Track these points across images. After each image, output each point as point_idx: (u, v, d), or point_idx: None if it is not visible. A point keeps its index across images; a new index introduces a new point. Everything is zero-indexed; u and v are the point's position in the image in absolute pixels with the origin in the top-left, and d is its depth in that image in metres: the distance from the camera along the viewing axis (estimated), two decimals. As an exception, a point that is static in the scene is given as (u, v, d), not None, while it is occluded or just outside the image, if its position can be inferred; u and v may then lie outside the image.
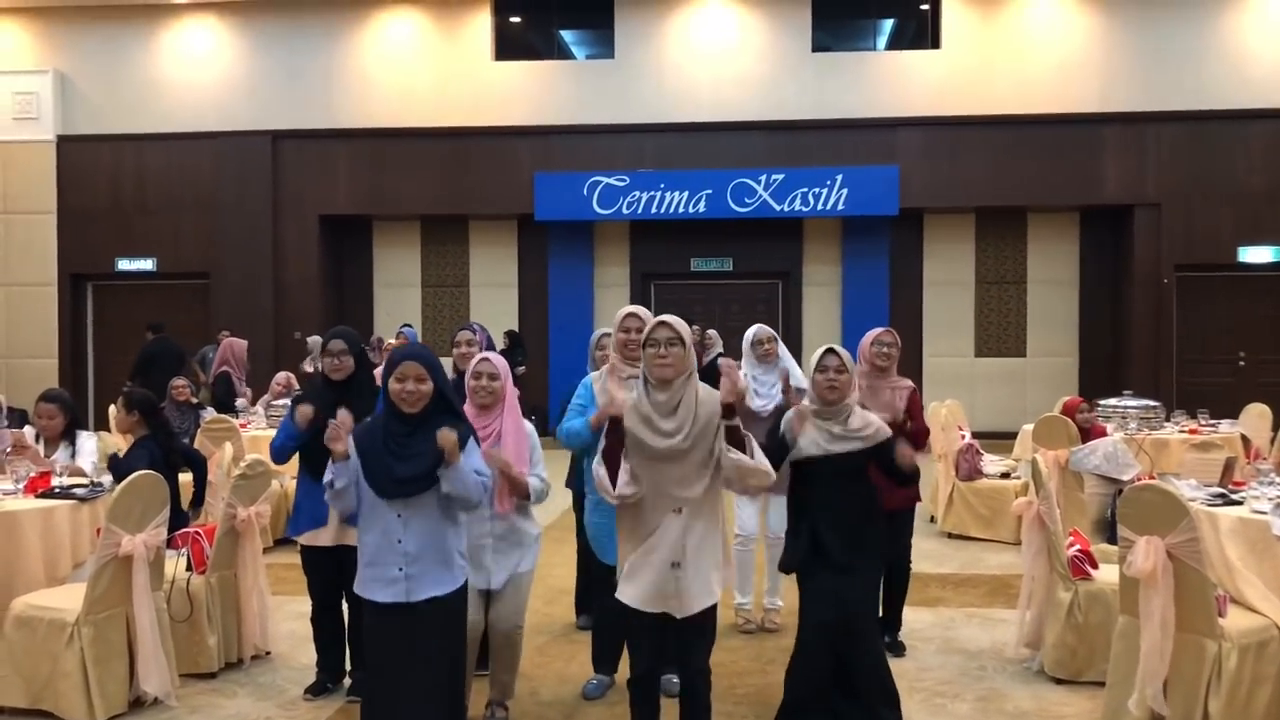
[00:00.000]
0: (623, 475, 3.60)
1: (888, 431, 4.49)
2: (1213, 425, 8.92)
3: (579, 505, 5.89)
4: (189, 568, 5.22)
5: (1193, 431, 8.56)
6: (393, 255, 16.84)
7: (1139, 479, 5.88)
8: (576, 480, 5.25)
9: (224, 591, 5.28)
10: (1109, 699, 4.50)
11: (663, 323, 3.64)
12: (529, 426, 4.53)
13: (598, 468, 3.67)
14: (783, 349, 5.97)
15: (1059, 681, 5.03)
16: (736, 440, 3.58)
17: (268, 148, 15.87)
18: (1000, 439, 12.37)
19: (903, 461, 4.33)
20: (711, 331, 13.98)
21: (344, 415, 4.67)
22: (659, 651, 3.73)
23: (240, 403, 10.15)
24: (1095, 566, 5.13)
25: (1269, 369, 15.41)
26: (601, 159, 15.69)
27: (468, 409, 4.25)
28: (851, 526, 4.32)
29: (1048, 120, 15.18)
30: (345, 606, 4.93)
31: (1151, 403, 8.93)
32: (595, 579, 5.03)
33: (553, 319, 16.13)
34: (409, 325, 13.50)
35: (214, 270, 15.96)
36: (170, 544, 5.19)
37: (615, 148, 15.75)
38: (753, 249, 16.02)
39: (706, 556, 3.66)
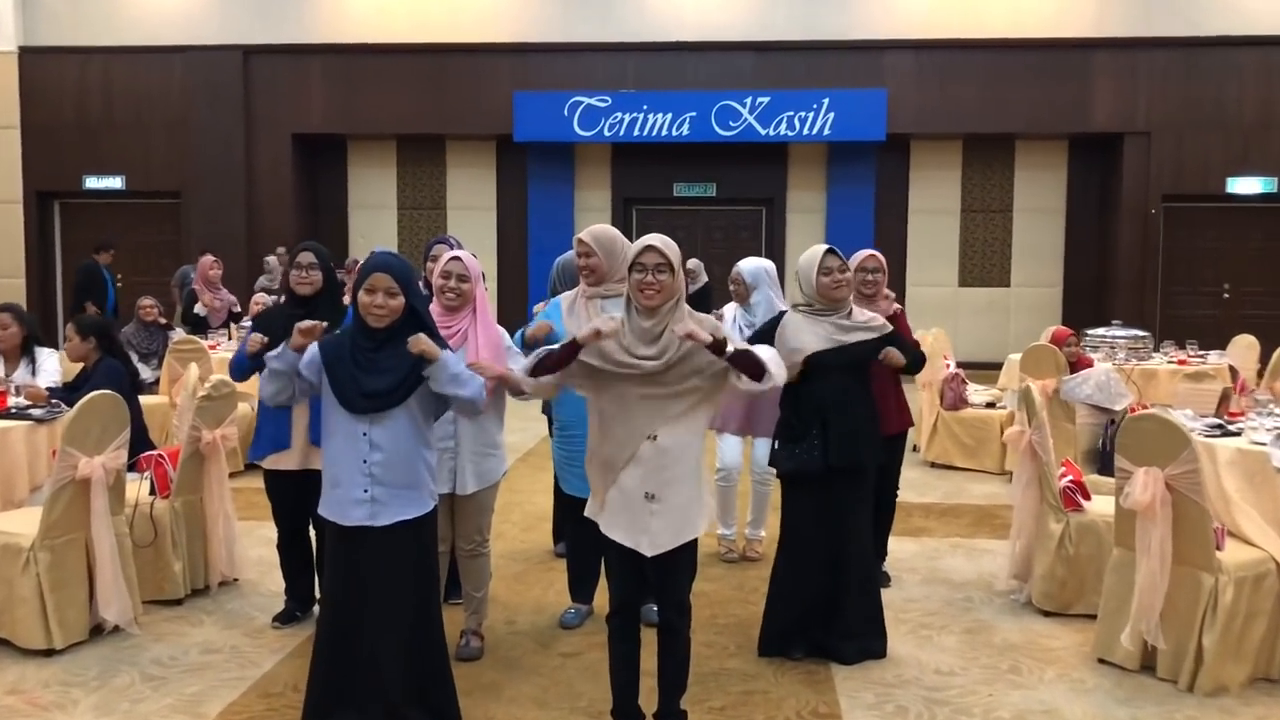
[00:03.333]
0: (541, 376, 3.42)
1: (889, 326, 4.39)
2: (1201, 356, 8.80)
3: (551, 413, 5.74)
4: (152, 492, 5.03)
5: (1181, 363, 8.44)
6: (368, 176, 16.46)
7: (1131, 409, 5.73)
8: (553, 407, 5.05)
9: (189, 517, 5.10)
10: (1100, 631, 4.39)
11: (650, 247, 3.40)
12: (499, 328, 4.33)
13: (530, 361, 3.46)
14: (764, 293, 5.69)
15: (1047, 614, 4.93)
16: (748, 364, 3.38)
17: (239, 63, 15.40)
18: (983, 369, 12.28)
19: (892, 359, 4.32)
20: (694, 261, 13.76)
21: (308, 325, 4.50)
22: (638, 583, 3.56)
23: (198, 308, 9.85)
24: (1087, 498, 5.00)
25: (1253, 301, 15.33)
26: (583, 78, 15.29)
27: (434, 309, 4.04)
28: (855, 425, 4.25)
29: (1039, 45, 14.88)
30: (313, 533, 4.75)
31: (1140, 333, 8.80)
32: (564, 507, 4.85)
33: (532, 243, 15.85)
34: (386, 248, 13.19)
35: (185, 189, 15.58)
36: (133, 467, 4.99)
37: (597, 67, 15.36)
38: (737, 174, 15.74)
39: (683, 488, 3.47)
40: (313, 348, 3.54)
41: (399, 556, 3.51)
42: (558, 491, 5.86)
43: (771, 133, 15.04)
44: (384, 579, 3.50)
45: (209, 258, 9.92)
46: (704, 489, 3.54)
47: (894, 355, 4.46)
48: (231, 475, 5.58)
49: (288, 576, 4.83)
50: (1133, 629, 4.15)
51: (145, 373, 8.64)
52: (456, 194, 16.39)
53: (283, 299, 5.18)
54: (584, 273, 4.57)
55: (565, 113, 15.11)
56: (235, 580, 5.34)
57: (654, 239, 3.43)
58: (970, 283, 16.01)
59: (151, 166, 15.68)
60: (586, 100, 15.11)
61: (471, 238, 15.74)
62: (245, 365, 4.51)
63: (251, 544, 5.80)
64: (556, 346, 3.42)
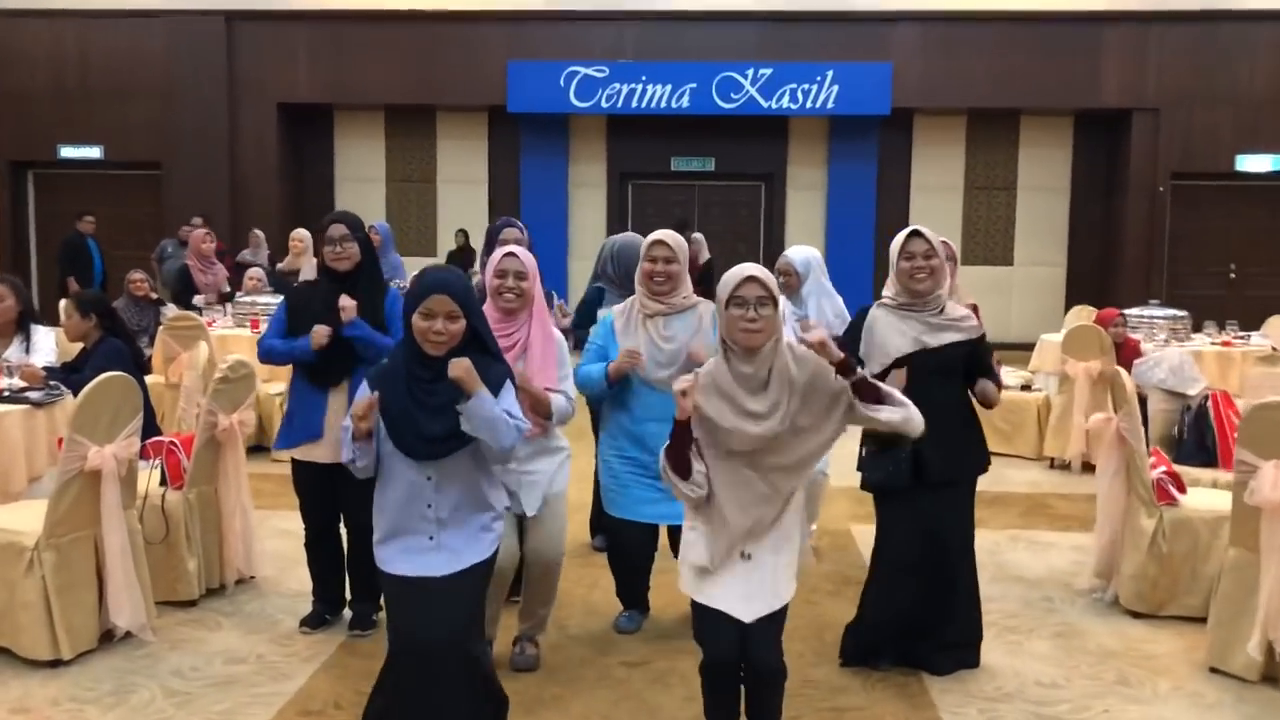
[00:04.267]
0: (697, 474, 3.00)
1: (981, 328, 3.98)
2: (1244, 337, 8.48)
3: (598, 425, 5.32)
4: (163, 482, 4.58)
5: (1226, 344, 8.11)
6: (356, 148, 15.92)
7: (1214, 396, 5.38)
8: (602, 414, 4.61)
9: (204, 509, 4.65)
10: (1215, 639, 4.03)
11: (751, 279, 2.95)
12: (558, 335, 3.90)
13: (664, 463, 3.02)
14: (814, 283, 5.26)
15: (1136, 615, 4.57)
16: (869, 394, 2.97)
17: (221, 28, 14.82)
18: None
19: (987, 397, 3.88)
20: (698, 236, 13.37)
21: (348, 303, 4.05)
22: (738, 641, 3.12)
23: (198, 299, 9.37)
24: (1182, 490, 4.63)
25: (1259, 282, 15.07)
26: (579, 48, 14.81)
27: (488, 310, 3.57)
28: (953, 435, 3.82)
29: (1048, 18, 14.53)
30: (344, 529, 4.34)
31: (1179, 313, 8.45)
32: (607, 525, 4.46)
33: (525, 218, 15.28)
34: (382, 222, 12.69)
35: (166, 160, 14.97)
36: (140, 454, 4.54)
37: (594, 36, 14.88)
38: (736, 148, 15.31)
39: (785, 550, 3.08)
40: (364, 386, 3.08)
41: (459, 596, 3.07)
42: (598, 481, 5.48)
43: (774, 105, 14.63)
44: (444, 620, 3.04)
45: (201, 230, 9.45)
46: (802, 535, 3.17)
47: (990, 392, 3.93)
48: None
49: (316, 577, 4.40)
50: (1260, 638, 3.79)
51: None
52: (447, 167, 15.90)
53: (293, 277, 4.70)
54: (657, 281, 4.09)
55: (561, 83, 14.65)
56: (252, 578, 4.90)
57: (756, 270, 3.01)
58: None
59: (130, 136, 15.06)
60: (583, 70, 14.64)
61: (462, 212, 15.32)
62: (282, 352, 4.08)
63: (266, 535, 5.36)
64: (668, 443, 3.01)
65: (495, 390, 2.98)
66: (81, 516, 4.00)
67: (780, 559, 3.07)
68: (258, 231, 12.21)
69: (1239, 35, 14.45)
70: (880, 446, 3.86)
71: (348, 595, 4.43)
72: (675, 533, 4.29)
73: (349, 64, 14.88)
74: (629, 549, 4.34)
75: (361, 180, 15.87)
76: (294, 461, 4.23)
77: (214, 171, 14.89)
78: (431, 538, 3.03)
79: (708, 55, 14.70)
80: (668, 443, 2.98)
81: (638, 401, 4.10)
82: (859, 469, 4.00)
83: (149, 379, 7.55)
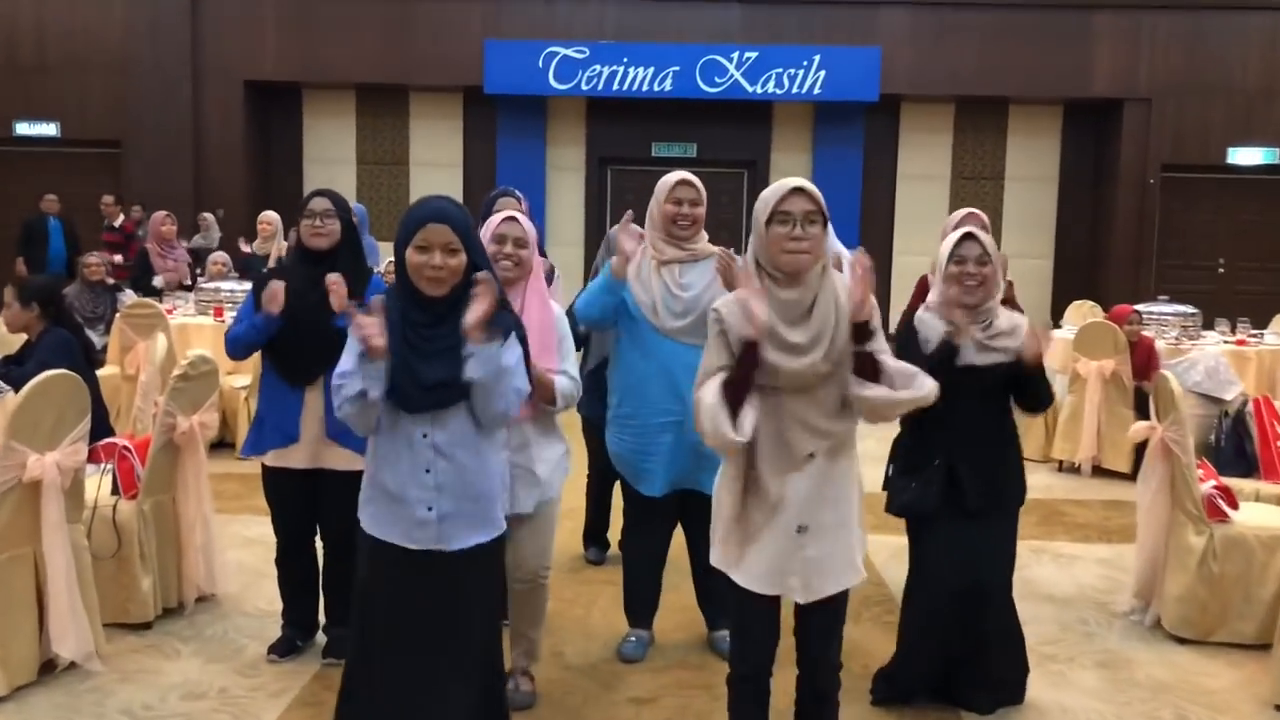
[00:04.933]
0: (749, 412, 2.56)
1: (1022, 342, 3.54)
2: (1258, 335, 8.16)
3: (590, 411, 4.89)
4: (115, 491, 4.12)
5: (1240, 343, 7.78)
6: (325, 128, 15.34)
7: (1255, 401, 5.03)
8: (586, 379, 4.18)
9: (160, 521, 4.20)
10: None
11: (798, 190, 2.58)
12: (557, 309, 3.48)
13: (708, 398, 2.55)
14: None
15: (1182, 642, 4.21)
16: (868, 369, 2.57)
17: (186, 3, 14.19)
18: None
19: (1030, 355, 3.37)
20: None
21: (336, 279, 3.60)
22: (776, 642, 2.75)
23: (157, 280, 8.85)
24: (1234, 505, 4.27)
25: (1249, 276, 14.83)
26: (559, 28, 14.33)
27: None
28: (993, 460, 3.41)
29: (1039, 5, 14.18)
30: (319, 545, 3.89)
31: (1189, 309, 8.11)
32: (628, 513, 4.02)
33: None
34: (359, 204, 12.16)
35: (126, 139, 14.34)
36: (89, 456, 4.07)
37: (575, 15, 14.39)
38: (718, 134, 14.84)
39: (845, 516, 2.67)
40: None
41: (469, 588, 2.69)
42: (598, 489, 5.07)
43: (759, 90, 14.20)
44: (449, 615, 2.67)
45: (161, 213, 8.93)
46: (862, 512, 2.74)
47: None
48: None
49: (287, 598, 3.94)
50: (1341, 676, 3.43)
51: (92, 338, 7.66)
52: (420, 149, 15.37)
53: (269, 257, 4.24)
54: (680, 224, 3.74)
55: (540, 64, 14.14)
56: (213, 596, 4.44)
57: (802, 181, 2.63)
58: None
59: (89, 113, 14.42)
60: (563, 51, 14.14)
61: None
62: (255, 338, 3.62)
63: (228, 544, 4.91)
64: (727, 372, 2.58)
65: (503, 338, 2.60)
66: (19, 533, 3.54)
67: (845, 531, 2.67)
68: (206, 214, 11.67)
69: (1232, 26, 14.17)
70: (907, 466, 3.47)
71: (321, 619, 3.98)
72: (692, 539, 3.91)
73: (318, 41, 14.31)
74: (647, 533, 3.93)
75: (331, 162, 15.30)
76: (265, 468, 3.78)
77: (177, 151, 14.29)
78: (430, 507, 2.63)
79: (691, 37, 14.25)
80: (726, 373, 2.56)
81: (651, 354, 3.72)
82: (884, 488, 3.60)
83: (104, 371, 7.09)
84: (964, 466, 3.34)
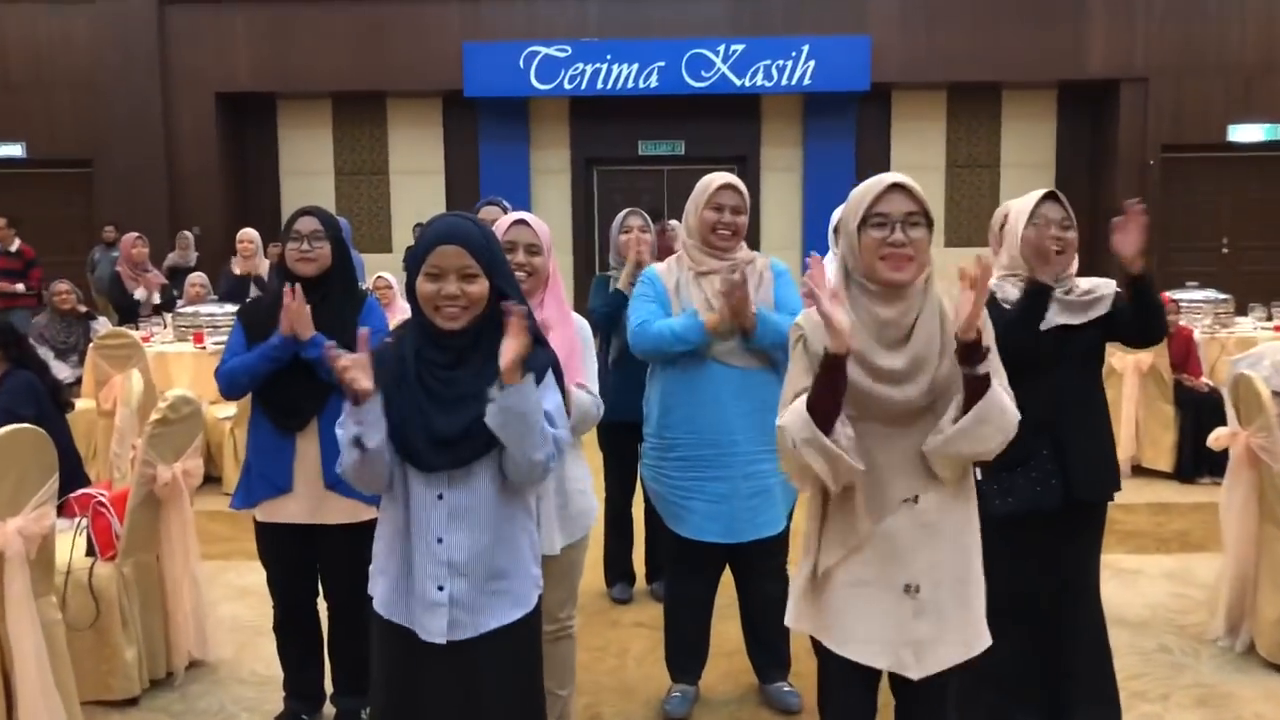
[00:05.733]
0: (845, 431, 2.14)
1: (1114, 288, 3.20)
2: (1296, 319, 7.82)
3: (611, 441, 4.49)
4: (90, 552, 3.68)
5: (1279, 329, 7.43)
6: (301, 139, 14.90)
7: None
8: (605, 375, 3.76)
9: (142, 583, 3.76)
10: None
11: (897, 187, 2.18)
12: (579, 320, 3.08)
13: (795, 420, 2.13)
14: None
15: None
16: (973, 391, 2.14)
17: (153, 13, 13.75)
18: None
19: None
20: (675, 223, 12.53)
21: (295, 303, 3.18)
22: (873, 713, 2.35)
23: (139, 293, 8.39)
24: (1330, 517, 3.88)
25: (1253, 256, 14.53)
26: (539, 26, 13.93)
27: None
28: (1096, 439, 3.06)
29: (1030, -14, 13.85)
30: (323, 606, 3.47)
31: (1220, 295, 7.76)
32: (669, 553, 3.61)
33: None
34: (341, 218, 11.71)
35: (97, 157, 13.89)
36: (62, 510, 3.64)
37: (555, 13, 13.99)
38: (706, 130, 14.48)
39: (964, 571, 2.27)
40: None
41: (492, 681, 2.27)
42: (621, 522, 4.67)
43: (747, 84, 13.85)
44: (471, 712, 2.26)
45: (132, 234, 8.47)
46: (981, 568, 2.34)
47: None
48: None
49: (289, 667, 3.50)
50: None
51: (64, 371, 7.22)
52: (400, 157, 14.95)
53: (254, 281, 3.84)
54: (722, 234, 3.34)
55: (520, 64, 13.78)
56: (206, 662, 4.01)
57: (901, 177, 2.21)
58: (956, 243, 14.97)
59: (56, 131, 13.94)
60: (544, 50, 13.77)
61: (417, 205, 14.41)
62: (256, 363, 3.20)
63: (221, 596, 4.49)
64: (812, 390, 2.15)
65: (538, 378, 2.20)
66: (-19, 611, 3.10)
67: (965, 589, 2.26)
68: (185, 233, 11.19)
69: (1228, 1, 13.85)
70: (1007, 463, 3.06)
71: (328, 688, 3.55)
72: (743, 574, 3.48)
73: (291, 49, 13.87)
74: (690, 577, 3.50)
75: (308, 173, 14.87)
76: (258, 523, 3.35)
77: (149, 168, 13.82)
78: (442, 586, 2.21)
79: (676, 32, 13.88)
80: (811, 391, 2.14)
81: (695, 379, 3.32)
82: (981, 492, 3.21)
83: (80, 406, 6.63)
84: (1072, 451, 2.97)
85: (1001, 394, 2.13)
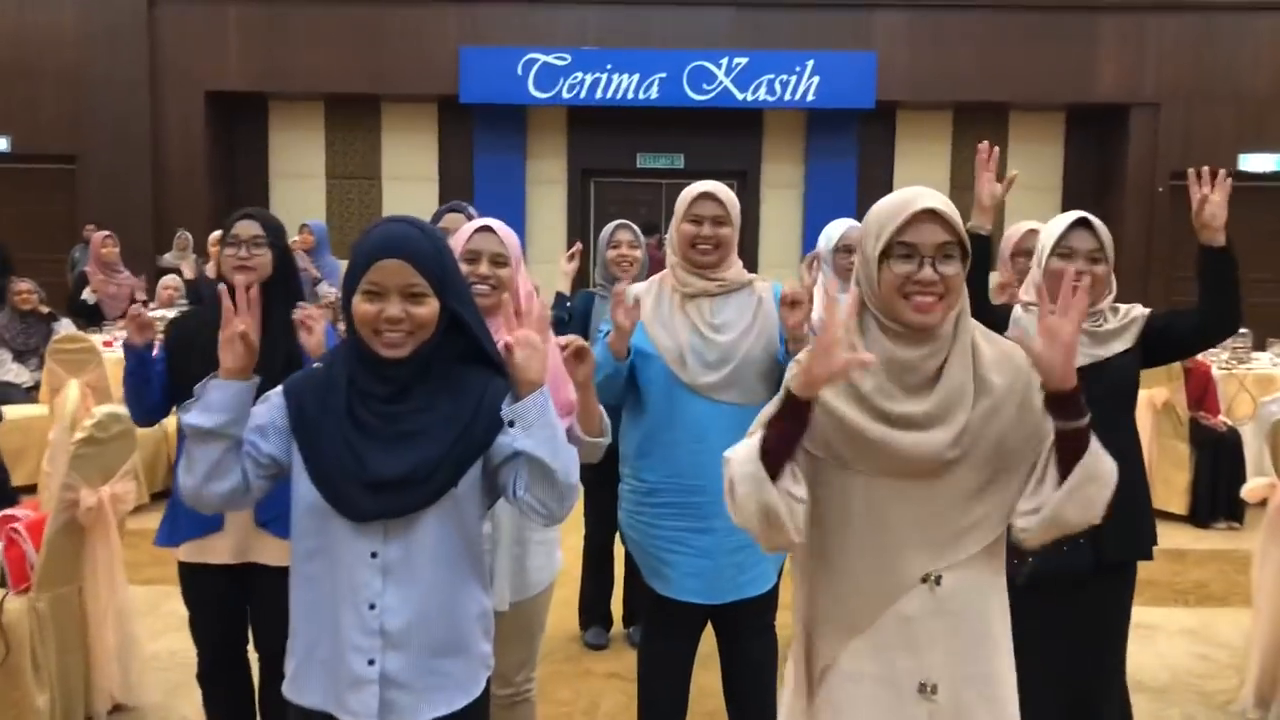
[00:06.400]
0: (794, 489, 1.78)
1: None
2: (1313, 357, 7.49)
3: (591, 469, 4.12)
4: (2, 584, 3.33)
5: (1299, 366, 7.11)
6: (292, 141, 14.53)
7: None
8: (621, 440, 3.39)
9: (60, 620, 3.41)
10: None
11: (928, 213, 1.81)
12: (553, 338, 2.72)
13: (742, 457, 1.78)
14: None
15: (1313, 748, 3.48)
16: (1072, 449, 1.78)
17: (142, 8, 13.38)
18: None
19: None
20: (670, 237, 12.23)
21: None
22: None
23: (87, 294, 8.01)
24: (1373, 582, 3.54)
25: (1264, 288, 14.14)
26: (539, 33, 13.57)
27: None
28: (1129, 492, 2.69)
29: (1041, 7, 13.57)
30: (254, 656, 3.11)
31: (1240, 330, 7.42)
32: (646, 610, 3.23)
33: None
34: (317, 220, 11.36)
35: (81, 154, 13.51)
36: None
37: (555, 21, 13.64)
38: (707, 144, 14.12)
39: (991, 669, 1.90)
40: (274, 394, 1.94)
41: None
42: (597, 558, 4.31)
43: (749, 98, 13.54)
44: None
45: (100, 234, 8.11)
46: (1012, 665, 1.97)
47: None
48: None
49: (215, 720, 3.15)
50: None
51: (23, 375, 6.87)
52: (393, 162, 14.58)
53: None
54: (701, 249, 2.97)
55: (519, 71, 13.43)
56: (132, 707, 3.65)
57: (931, 198, 1.82)
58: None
59: (40, 126, 13.55)
60: (543, 58, 13.43)
61: (409, 212, 13.63)
62: (133, 380, 2.87)
63: (162, 628, 4.13)
64: (765, 429, 1.80)
65: (501, 424, 1.88)
66: None
67: (992, 689, 1.88)
68: (185, 233, 10.81)
69: (1241, 27, 13.59)
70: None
71: (259, 746, 3.19)
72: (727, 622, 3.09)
73: (285, 49, 13.50)
74: (674, 638, 3.10)
75: (299, 177, 14.51)
76: (181, 565, 2.99)
77: (135, 167, 13.47)
78: (372, 661, 1.86)
79: (678, 43, 13.55)
80: (765, 429, 1.79)
81: (678, 416, 2.93)
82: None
83: (35, 409, 6.32)
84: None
85: (1099, 444, 1.78)
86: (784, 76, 13.49)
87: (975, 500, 1.82)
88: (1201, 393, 6.28)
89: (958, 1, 13.53)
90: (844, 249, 4.12)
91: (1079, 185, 14.56)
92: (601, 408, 2.48)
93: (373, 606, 1.86)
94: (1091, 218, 2.76)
